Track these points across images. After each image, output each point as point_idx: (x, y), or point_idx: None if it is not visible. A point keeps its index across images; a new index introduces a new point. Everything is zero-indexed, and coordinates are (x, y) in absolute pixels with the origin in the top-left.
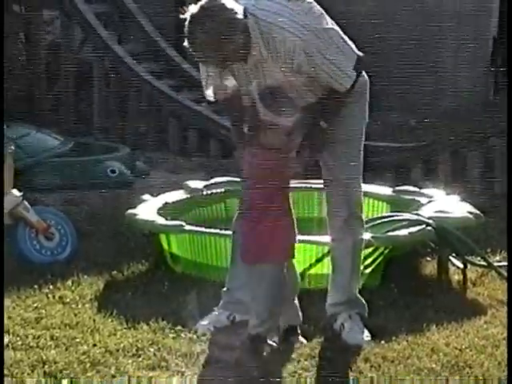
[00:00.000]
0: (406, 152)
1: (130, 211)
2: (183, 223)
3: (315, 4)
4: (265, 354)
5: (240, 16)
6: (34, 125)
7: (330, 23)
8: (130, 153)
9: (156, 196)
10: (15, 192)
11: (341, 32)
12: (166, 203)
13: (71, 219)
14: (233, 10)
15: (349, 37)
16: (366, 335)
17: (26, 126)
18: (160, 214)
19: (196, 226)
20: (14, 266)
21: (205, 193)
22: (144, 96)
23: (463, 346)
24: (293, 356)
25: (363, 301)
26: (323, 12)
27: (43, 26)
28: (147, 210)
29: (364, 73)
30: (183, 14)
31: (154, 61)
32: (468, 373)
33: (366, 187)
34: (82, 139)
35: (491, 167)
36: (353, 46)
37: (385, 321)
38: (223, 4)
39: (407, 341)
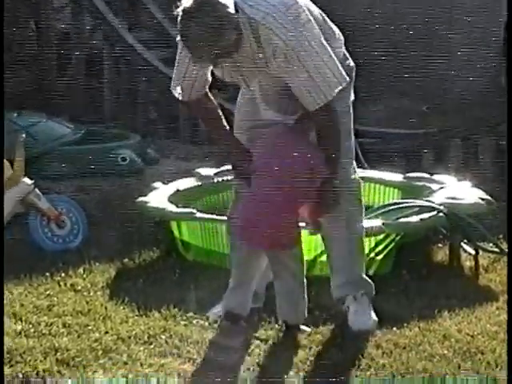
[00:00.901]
0: (418, 138)
1: (140, 199)
2: (194, 210)
3: (304, 10)
4: (276, 341)
5: (232, 11)
6: (45, 113)
7: (318, 35)
8: (141, 140)
9: (167, 184)
10: (27, 180)
11: (329, 49)
12: (177, 191)
13: (82, 207)
14: (226, 5)
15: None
16: (372, 318)
17: (37, 115)
18: (171, 202)
19: (207, 213)
20: (26, 254)
21: (216, 180)
22: (154, 83)
23: (475, 332)
24: (304, 342)
25: (369, 281)
26: (312, 20)
27: (53, 14)
28: (158, 197)
29: (350, 59)
30: (177, 8)
31: (164, 48)
32: (480, 359)
33: (377, 174)
34: (93, 127)
35: (503, 153)
36: (339, 67)
37: (396, 307)
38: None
39: (419, 327)
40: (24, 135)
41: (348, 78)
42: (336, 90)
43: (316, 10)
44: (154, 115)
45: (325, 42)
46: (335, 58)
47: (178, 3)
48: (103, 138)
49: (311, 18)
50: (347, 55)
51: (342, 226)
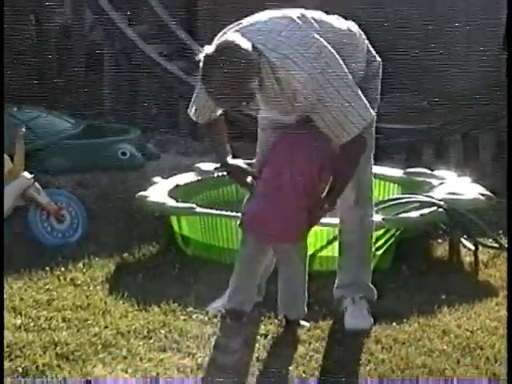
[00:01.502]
0: (418, 134)
1: (140, 193)
2: (194, 205)
3: (326, 46)
4: (276, 335)
5: (253, 56)
6: (45, 107)
7: (341, 70)
8: (141, 135)
9: (167, 178)
10: (26, 174)
11: (354, 85)
12: (177, 185)
13: (82, 201)
14: (247, 50)
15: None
16: (366, 321)
17: (37, 109)
18: (171, 197)
19: (207, 208)
20: (25, 248)
21: (216, 175)
22: (155, 78)
23: (475, 328)
24: (304, 338)
25: (371, 285)
26: (336, 56)
27: (53, 8)
28: (158, 192)
29: (376, 55)
30: (199, 55)
31: (164, 43)
32: (479, 354)
33: (377, 169)
34: (93, 122)
35: (503, 149)
36: (365, 101)
37: (396, 303)
38: (238, 45)
39: (418, 323)
40: (24, 129)
41: (374, 113)
42: (360, 128)
43: (337, 25)
44: (154, 110)
45: (350, 77)
46: (360, 94)
47: (200, 49)
48: (103, 132)
49: (333, 52)
50: (372, 51)
51: (355, 221)
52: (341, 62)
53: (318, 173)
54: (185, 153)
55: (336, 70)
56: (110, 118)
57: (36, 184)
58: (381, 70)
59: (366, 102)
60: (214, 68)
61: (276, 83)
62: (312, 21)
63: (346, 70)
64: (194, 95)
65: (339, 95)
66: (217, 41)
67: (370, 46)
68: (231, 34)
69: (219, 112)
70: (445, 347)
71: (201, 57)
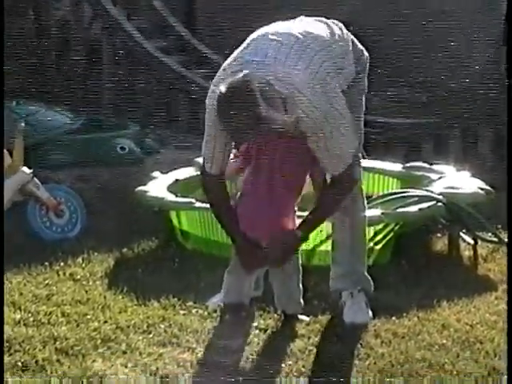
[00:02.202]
0: (417, 128)
1: (140, 188)
2: (193, 200)
3: (333, 78)
4: (275, 330)
5: (267, 88)
6: (44, 102)
7: (342, 103)
8: (140, 130)
9: (166, 173)
10: (25, 169)
11: (350, 116)
12: (176, 180)
13: (81, 196)
14: (261, 84)
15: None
16: (365, 315)
17: (36, 104)
18: (170, 191)
19: (206, 202)
20: (24, 243)
21: None
22: (153, 73)
23: (474, 322)
24: (303, 332)
25: (368, 277)
26: (337, 90)
27: (52, 3)
28: (157, 187)
29: (364, 50)
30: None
31: (163, 37)
32: (479, 348)
33: (376, 163)
34: (92, 116)
35: (502, 143)
36: (355, 134)
37: (395, 297)
38: (251, 82)
39: (418, 317)
40: (23, 124)
41: (357, 143)
42: (351, 158)
43: (326, 36)
44: (153, 105)
45: (347, 110)
46: (353, 125)
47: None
48: (102, 127)
49: (336, 85)
50: (358, 46)
51: (346, 216)
52: (339, 90)
53: (305, 171)
54: (184, 147)
55: (340, 101)
56: (109, 113)
57: (35, 179)
58: (368, 65)
59: (354, 131)
60: (229, 108)
61: (283, 110)
62: (310, 41)
63: (344, 100)
64: (205, 140)
65: (338, 131)
66: (227, 76)
67: (355, 40)
68: (242, 73)
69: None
70: (444, 341)
71: (216, 95)
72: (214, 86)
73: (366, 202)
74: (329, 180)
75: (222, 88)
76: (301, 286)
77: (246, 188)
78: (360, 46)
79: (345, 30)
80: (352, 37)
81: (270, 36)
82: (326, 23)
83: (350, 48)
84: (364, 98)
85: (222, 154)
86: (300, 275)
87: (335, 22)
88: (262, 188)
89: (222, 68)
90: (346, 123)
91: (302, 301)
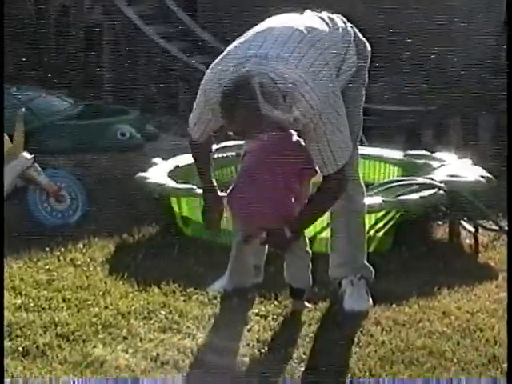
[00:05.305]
0: (418, 116)
1: (140, 174)
2: (194, 186)
3: (332, 74)
4: (276, 317)
5: (271, 88)
6: (44, 87)
7: (341, 103)
8: (140, 116)
9: (167, 159)
10: (26, 154)
11: (345, 118)
12: (177, 166)
13: (81, 182)
14: (263, 82)
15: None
16: (366, 302)
17: (36, 89)
18: (171, 178)
19: None
20: (25, 229)
21: (215, 156)
22: (154, 59)
23: (474, 310)
24: (304, 319)
25: (368, 265)
26: (337, 92)
27: None
28: (158, 173)
29: (367, 43)
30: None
31: (164, 23)
32: (479, 336)
33: (377, 151)
34: (92, 102)
35: (503, 131)
36: (348, 136)
37: (396, 284)
38: (254, 78)
39: (418, 304)
40: (23, 109)
41: (351, 147)
42: (346, 158)
43: (329, 32)
44: (154, 90)
45: (344, 112)
46: (348, 126)
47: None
48: (102, 112)
49: (337, 86)
50: (361, 38)
51: (344, 204)
52: (339, 92)
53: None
54: (184, 134)
55: (339, 102)
56: (109, 99)
57: (36, 164)
58: (369, 59)
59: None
60: (233, 106)
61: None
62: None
63: (342, 102)
64: (194, 109)
65: (337, 130)
66: (229, 68)
67: (358, 33)
68: (245, 68)
69: (214, 129)
70: (445, 329)
71: (219, 93)
72: (211, 72)
73: (364, 189)
74: (321, 179)
75: (224, 85)
76: (310, 265)
77: (244, 174)
78: (363, 39)
79: (348, 24)
80: (355, 30)
81: (276, 31)
82: (330, 17)
83: (353, 41)
84: (364, 91)
85: (204, 126)
86: (309, 254)
87: (339, 15)
88: (255, 181)
89: (222, 55)
90: (342, 125)
91: (311, 278)
